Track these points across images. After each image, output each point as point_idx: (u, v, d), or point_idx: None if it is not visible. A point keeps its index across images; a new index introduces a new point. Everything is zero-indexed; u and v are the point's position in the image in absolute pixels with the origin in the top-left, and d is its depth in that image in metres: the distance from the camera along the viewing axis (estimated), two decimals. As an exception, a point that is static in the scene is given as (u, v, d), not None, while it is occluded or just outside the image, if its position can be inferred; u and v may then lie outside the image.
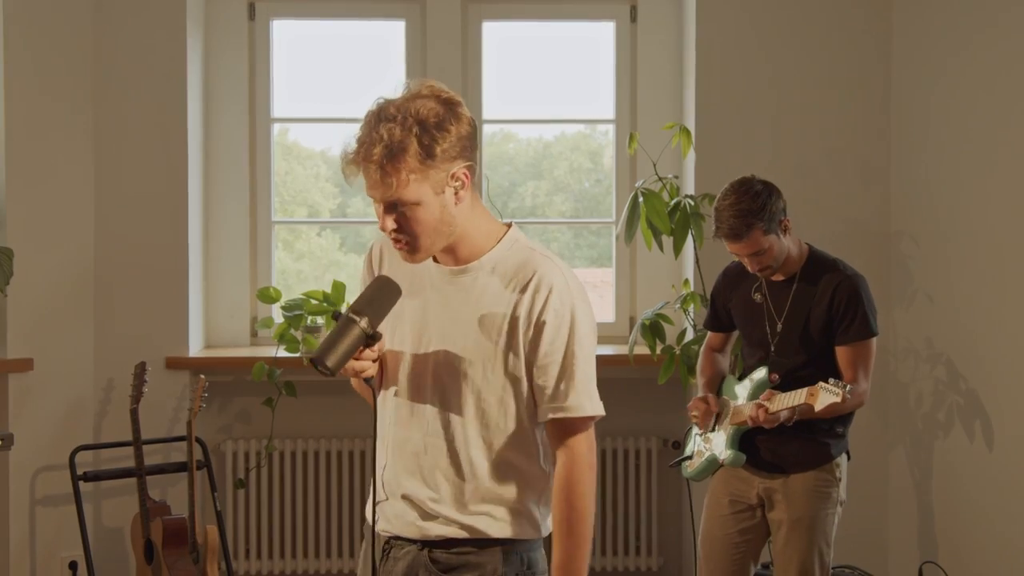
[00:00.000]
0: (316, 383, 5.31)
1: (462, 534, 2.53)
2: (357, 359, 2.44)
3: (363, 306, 2.44)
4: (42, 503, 5.07)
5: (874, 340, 3.76)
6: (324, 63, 5.82)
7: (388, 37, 5.66)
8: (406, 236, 2.43)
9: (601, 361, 5.46)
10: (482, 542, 2.54)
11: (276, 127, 5.72)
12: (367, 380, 2.51)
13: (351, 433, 5.36)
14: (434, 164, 2.37)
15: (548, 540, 2.62)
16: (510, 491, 2.55)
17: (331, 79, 5.79)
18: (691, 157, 5.20)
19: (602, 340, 5.64)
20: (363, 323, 2.41)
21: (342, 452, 5.42)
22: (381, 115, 2.39)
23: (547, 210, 6.15)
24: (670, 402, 5.47)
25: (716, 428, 3.91)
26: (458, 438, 2.52)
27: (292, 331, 5.13)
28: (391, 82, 2.58)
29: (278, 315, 5.36)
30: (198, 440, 4.93)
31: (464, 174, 2.43)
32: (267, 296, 5.37)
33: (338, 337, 2.40)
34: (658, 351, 4.98)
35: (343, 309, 2.48)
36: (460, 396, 2.51)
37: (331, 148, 6.15)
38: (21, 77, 4.96)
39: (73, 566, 5.14)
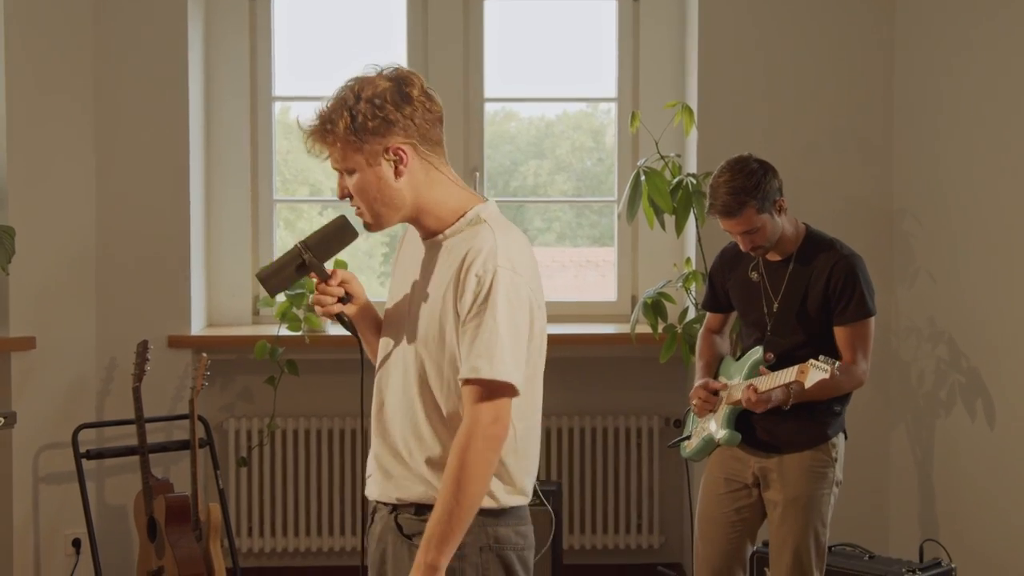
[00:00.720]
0: (318, 362, 5.31)
1: (422, 498, 2.59)
2: (320, 293, 2.64)
3: (313, 240, 2.64)
4: (45, 481, 5.09)
5: (872, 320, 3.75)
6: (325, 41, 5.81)
7: (390, 15, 5.65)
8: (356, 204, 2.62)
9: (603, 340, 5.54)
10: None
11: (277, 105, 5.71)
12: (342, 321, 2.65)
13: (353, 411, 5.38)
14: (363, 137, 2.53)
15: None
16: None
17: (332, 57, 5.78)
18: (693, 135, 5.19)
19: (604, 319, 5.67)
20: (306, 255, 2.61)
21: (344, 430, 5.43)
22: (336, 94, 2.59)
23: (549, 189, 6.14)
24: (672, 381, 5.48)
25: (713, 408, 3.91)
26: (415, 403, 2.60)
27: (294, 309, 5.14)
28: (392, 61, 2.68)
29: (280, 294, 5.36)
30: (200, 418, 4.94)
31: (400, 150, 2.55)
32: (269, 275, 5.35)
33: (282, 262, 2.64)
34: (660, 330, 4.99)
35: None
36: (417, 359, 2.60)
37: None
38: (22, 56, 4.96)
39: (76, 543, 5.16)
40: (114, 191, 5.23)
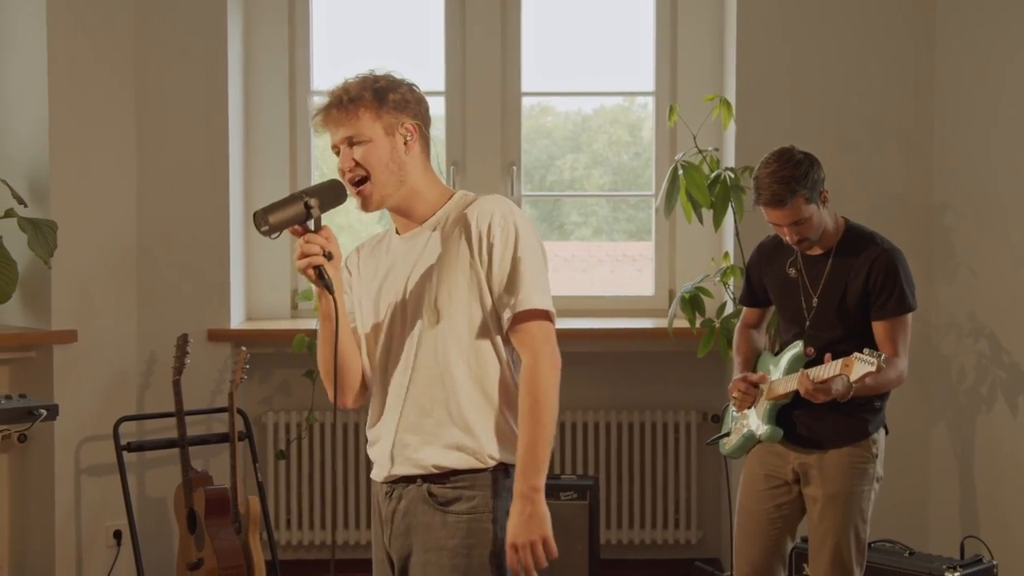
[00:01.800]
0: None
1: (459, 463, 2.74)
2: (306, 242, 2.65)
3: (313, 191, 2.70)
4: (87, 473, 5.13)
5: (911, 315, 3.72)
6: (364, 36, 5.83)
7: (427, 9, 5.66)
8: (363, 172, 2.74)
9: (640, 334, 5.54)
10: (474, 472, 2.75)
11: (316, 99, 5.72)
12: (322, 277, 2.66)
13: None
14: (385, 108, 2.76)
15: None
16: (492, 410, 2.76)
17: (371, 52, 5.79)
18: (731, 129, 5.17)
19: (641, 313, 5.66)
20: (311, 201, 2.65)
21: (382, 424, 5.45)
22: (350, 79, 2.86)
23: (585, 183, 6.14)
24: (710, 376, 5.46)
25: (753, 404, 3.89)
26: (440, 365, 2.75)
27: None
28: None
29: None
30: (240, 411, 4.97)
31: (414, 127, 2.79)
32: (307, 269, 5.38)
33: (284, 203, 2.66)
34: (697, 324, 4.97)
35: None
36: (435, 327, 2.74)
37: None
38: (64, 52, 4.99)
39: (117, 535, 5.20)
40: (155, 185, 5.26)
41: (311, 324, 5.29)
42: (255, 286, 5.62)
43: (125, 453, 4.93)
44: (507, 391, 2.77)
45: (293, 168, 5.63)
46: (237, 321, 5.41)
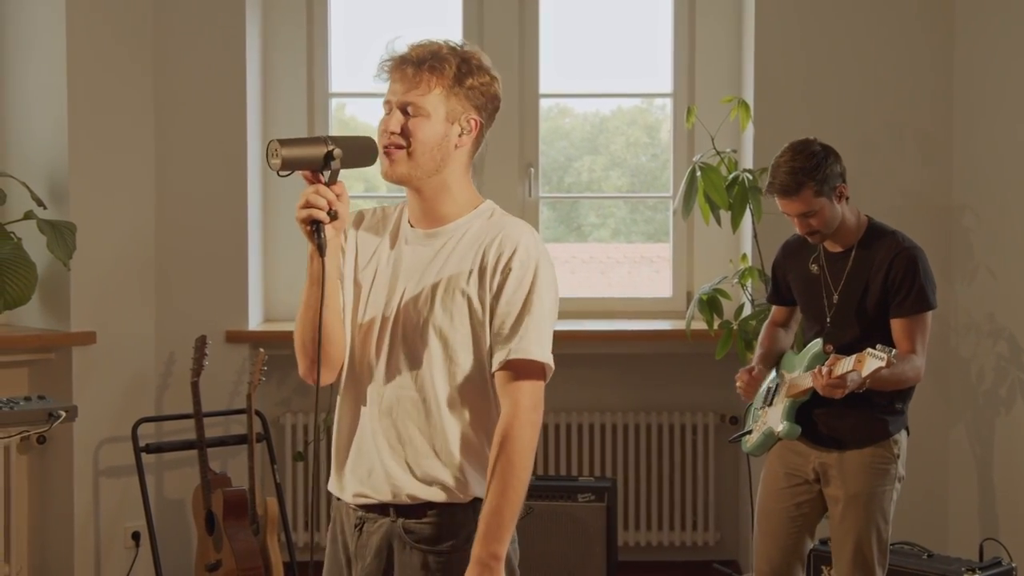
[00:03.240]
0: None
1: (434, 496, 2.52)
2: (315, 192, 2.40)
3: (340, 140, 2.44)
4: (105, 474, 5.15)
5: (930, 314, 3.70)
6: (381, 39, 5.82)
7: (445, 11, 5.66)
8: (403, 140, 2.50)
9: (658, 336, 5.53)
10: (452, 507, 2.54)
11: (334, 102, 5.74)
12: (318, 235, 2.42)
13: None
14: (459, 92, 2.52)
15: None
16: (480, 446, 2.55)
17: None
18: (749, 131, 5.16)
19: (659, 315, 5.65)
20: (333, 148, 2.40)
21: (400, 426, 5.45)
22: (445, 40, 2.56)
23: (603, 185, 6.13)
24: (727, 377, 5.42)
25: (773, 402, 3.89)
26: (428, 391, 2.52)
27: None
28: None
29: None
30: (258, 413, 4.97)
31: (476, 122, 2.55)
32: (325, 271, 5.40)
33: (305, 141, 2.42)
34: (715, 326, 4.97)
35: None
36: (429, 348, 2.52)
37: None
38: (83, 55, 5.01)
39: (136, 536, 5.21)
40: (173, 187, 5.28)
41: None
42: (273, 287, 5.62)
43: (143, 454, 4.95)
44: (491, 429, 2.52)
45: (311, 170, 5.62)
46: (255, 323, 5.42)
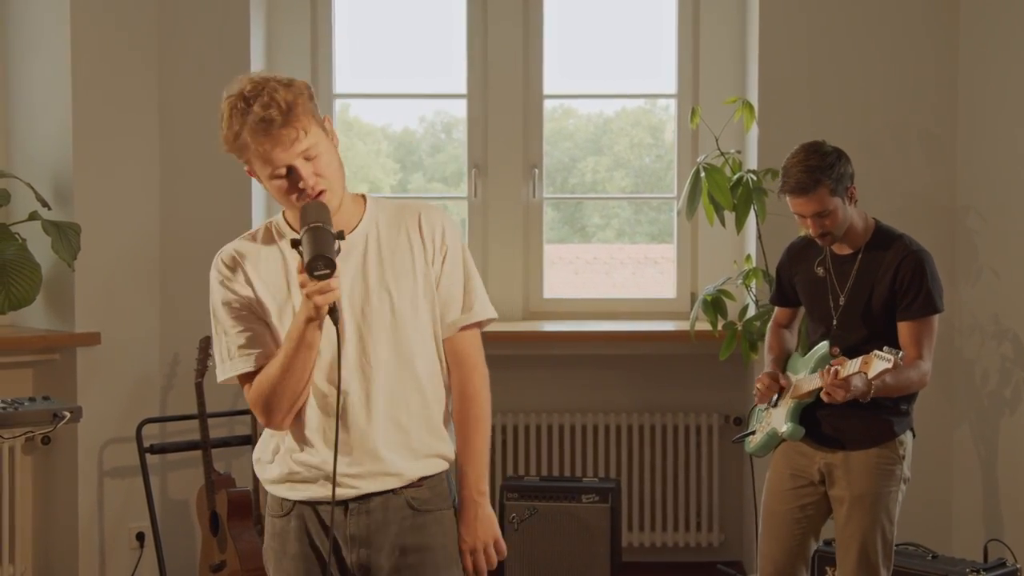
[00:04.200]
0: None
1: (433, 468, 2.73)
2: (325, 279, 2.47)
3: (323, 217, 2.53)
4: (110, 475, 5.15)
5: (937, 317, 3.70)
6: (385, 40, 5.84)
7: (449, 12, 5.67)
8: (317, 187, 2.60)
9: (662, 337, 5.54)
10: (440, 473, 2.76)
11: (338, 103, 5.74)
12: (333, 312, 2.50)
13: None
14: (314, 110, 2.64)
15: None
16: (443, 417, 2.77)
17: (391, 55, 5.81)
18: (754, 132, 5.16)
19: (663, 316, 5.66)
20: (335, 231, 2.49)
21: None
22: (252, 94, 2.65)
23: (607, 186, 6.13)
24: (731, 378, 5.45)
25: (777, 403, 3.89)
26: (414, 379, 2.69)
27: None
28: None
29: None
30: (262, 414, 4.97)
31: (328, 120, 2.68)
32: (329, 271, 5.41)
33: (328, 240, 2.47)
34: (719, 327, 4.96)
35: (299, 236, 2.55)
36: (406, 336, 2.67)
37: (392, 124, 6.17)
38: (88, 56, 5.02)
39: (140, 537, 5.22)
40: (178, 188, 5.28)
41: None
42: (277, 289, 5.62)
43: (148, 455, 4.95)
44: (445, 391, 2.78)
45: (315, 171, 5.63)
46: (259, 323, 5.41)
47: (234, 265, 2.71)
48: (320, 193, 2.59)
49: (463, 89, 5.63)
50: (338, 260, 2.48)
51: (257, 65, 5.37)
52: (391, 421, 2.67)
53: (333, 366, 2.62)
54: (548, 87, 5.65)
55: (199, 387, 4.84)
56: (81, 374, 5.02)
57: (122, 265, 5.18)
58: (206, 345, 4.89)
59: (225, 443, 5.04)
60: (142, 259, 5.24)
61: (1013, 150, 4.94)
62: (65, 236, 4.78)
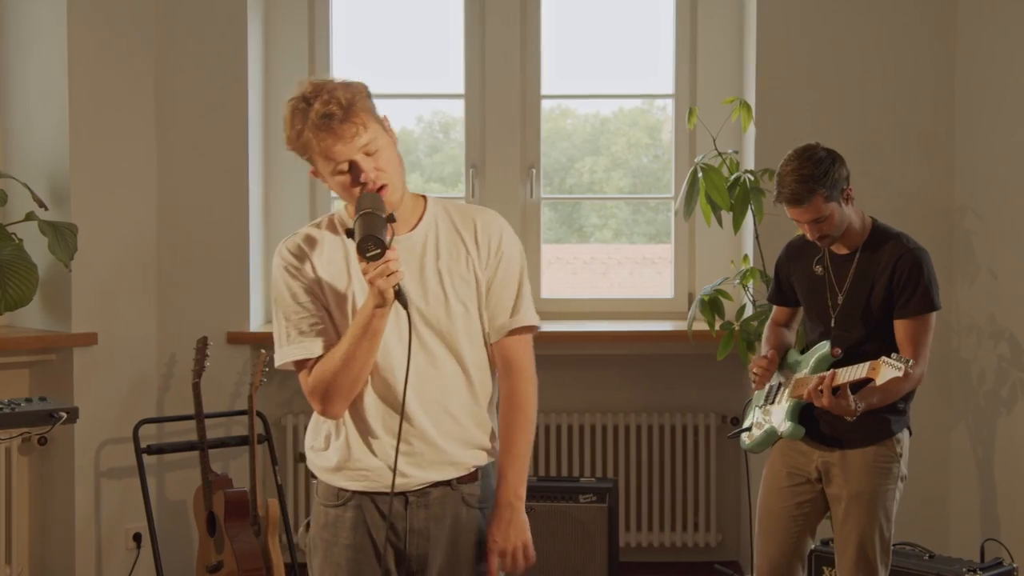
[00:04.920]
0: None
1: (480, 460, 2.81)
2: (388, 261, 2.53)
3: (375, 203, 2.60)
4: (107, 475, 5.15)
5: (934, 316, 3.70)
6: (382, 40, 5.84)
7: (447, 11, 5.66)
8: (377, 181, 2.66)
9: (660, 337, 5.54)
10: (489, 466, 2.85)
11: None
12: (400, 295, 2.57)
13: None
14: (372, 108, 2.70)
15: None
16: (491, 415, 2.85)
17: (389, 56, 5.80)
18: (751, 132, 5.16)
19: (660, 316, 5.65)
20: (385, 214, 2.56)
21: (401, 427, 5.45)
22: (312, 94, 2.66)
23: (605, 186, 6.13)
24: (729, 378, 5.45)
25: (776, 400, 3.88)
26: (461, 373, 2.77)
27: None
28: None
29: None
30: (259, 414, 4.97)
31: (386, 119, 2.74)
32: (326, 272, 5.42)
33: (377, 223, 2.54)
34: (717, 327, 4.96)
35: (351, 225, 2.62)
36: (458, 335, 2.75)
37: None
38: (85, 56, 5.01)
39: (137, 537, 5.21)
40: (175, 188, 5.28)
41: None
42: (274, 289, 5.62)
43: (145, 456, 4.95)
44: (492, 392, 2.86)
45: (312, 171, 5.63)
46: (256, 324, 5.42)
47: (299, 253, 2.78)
48: (382, 188, 2.66)
49: (460, 89, 5.63)
50: (398, 255, 2.56)
51: (255, 65, 5.36)
52: (444, 411, 2.75)
53: (392, 354, 2.69)
54: (546, 87, 5.65)
55: (196, 388, 4.83)
56: (78, 375, 5.01)
57: (119, 266, 5.17)
58: (203, 345, 4.89)
59: (222, 444, 5.04)
60: (139, 260, 5.23)
61: (1010, 150, 4.94)
62: (62, 236, 4.77)
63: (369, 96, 2.69)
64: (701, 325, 5.02)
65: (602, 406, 5.55)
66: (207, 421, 4.89)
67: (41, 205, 4.84)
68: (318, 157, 2.68)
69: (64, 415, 4.04)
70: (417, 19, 5.81)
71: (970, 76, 5.17)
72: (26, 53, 5.12)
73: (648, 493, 5.56)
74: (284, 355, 2.75)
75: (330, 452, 2.79)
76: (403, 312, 2.62)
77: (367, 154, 2.65)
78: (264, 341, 5.26)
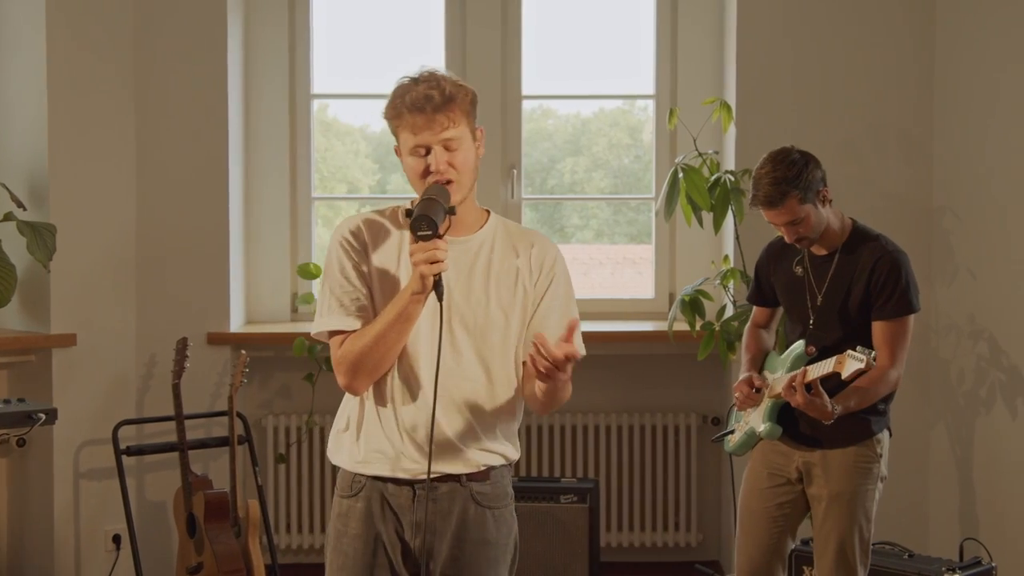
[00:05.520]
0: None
1: (496, 462, 2.86)
2: (436, 248, 2.60)
3: (439, 193, 2.67)
4: (86, 477, 5.13)
5: (912, 319, 3.71)
6: (363, 39, 5.83)
7: (428, 12, 5.65)
8: (446, 177, 2.72)
9: (640, 337, 5.55)
10: (501, 468, 2.90)
11: (316, 103, 5.73)
12: (438, 286, 2.62)
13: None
14: (473, 113, 2.78)
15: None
16: (509, 429, 2.90)
17: (369, 56, 5.80)
18: (731, 132, 5.17)
19: (641, 316, 5.66)
20: (448, 207, 2.64)
21: (382, 427, 5.45)
22: (422, 78, 2.78)
23: (586, 186, 6.14)
24: (709, 378, 5.46)
25: (755, 405, 3.89)
26: (488, 381, 2.82)
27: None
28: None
29: (318, 291, 5.38)
30: (239, 415, 4.96)
31: (481, 132, 2.81)
32: (307, 272, 5.41)
33: (435, 206, 2.61)
34: (697, 327, 4.97)
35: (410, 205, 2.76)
36: (490, 340, 2.81)
37: (370, 124, 6.17)
38: (64, 55, 4.99)
39: (116, 539, 5.19)
40: (154, 189, 5.26)
41: (311, 327, 5.27)
42: (255, 289, 5.61)
43: (124, 457, 4.93)
44: (520, 402, 2.90)
45: (293, 171, 5.62)
46: (237, 324, 5.41)
47: (358, 232, 2.85)
48: (448, 183, 2.72)
49: (441, 89, 5.62)
50: (448, 250, 2.62)
51: (234, 65, 5.35)
52: (460, 409, 2.80)
53: (422, 343, 2.76)
54: (526, 88, 5.65)
55: (176, 388, 4.82)
56: (57, 376, 4.99)
57: (98, 266, 5.15)
58: (183, 346, 4.87)
59: (202, 444, 5.02)
60: (118, 260, 5.21)
61: (989, 151, 4.97)
62: (40, 237, 4.75)
63: (473, 103, 2.78)
64: (682, 325, 5.02)
65: (583, 406, 5.56)
66: (187, 422, 4.88)
67: (20, 205, 4.82)
68: (403, 131, 2.75)
69: (43, 416, 4.03)
70: (398, 19, 5.80)
71: (949, 77, 5.19)
72: (5, 53, 5.09)
73: (629, 493, 5.56)
74: (322, 324, 2.83)
75: (350, 432, 2.86)
76: (451, 308, 2.73)
77: (447, 148, 2.72)
78: (244, 342, 5.25)
